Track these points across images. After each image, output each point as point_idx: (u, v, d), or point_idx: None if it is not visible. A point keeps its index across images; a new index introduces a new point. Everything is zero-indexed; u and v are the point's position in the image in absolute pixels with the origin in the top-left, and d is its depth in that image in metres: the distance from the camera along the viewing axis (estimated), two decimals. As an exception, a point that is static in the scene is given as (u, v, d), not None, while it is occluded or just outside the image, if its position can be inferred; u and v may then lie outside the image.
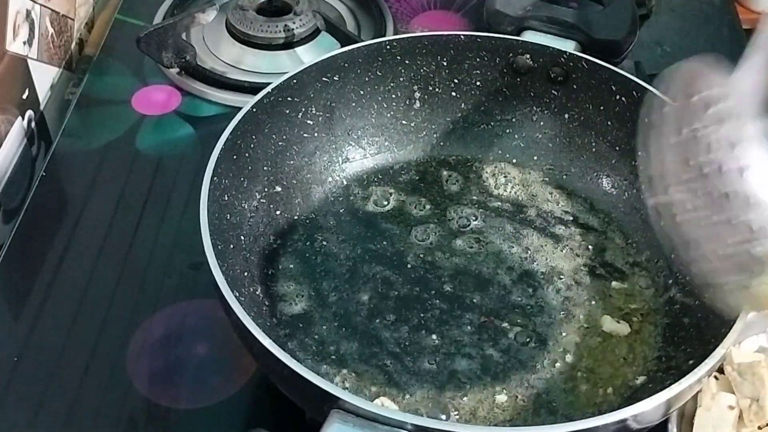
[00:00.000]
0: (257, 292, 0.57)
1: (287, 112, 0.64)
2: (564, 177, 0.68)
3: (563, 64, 0.66)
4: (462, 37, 0.67)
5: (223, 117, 0.76)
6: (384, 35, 0.86)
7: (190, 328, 0.63)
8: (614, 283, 0.61)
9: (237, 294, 0.50)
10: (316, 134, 0.66)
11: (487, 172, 0.68)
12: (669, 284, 0.60)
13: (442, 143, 0.70)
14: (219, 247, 0.53)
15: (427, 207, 0.66)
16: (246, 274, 0.57)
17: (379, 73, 0.67)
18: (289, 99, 0.63)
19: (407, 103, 0.69)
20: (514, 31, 0.72)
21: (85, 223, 0.70)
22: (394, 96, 0.68)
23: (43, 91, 0.81)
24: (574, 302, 0.60)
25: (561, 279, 0.61)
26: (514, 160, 0.69)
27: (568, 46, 0.68)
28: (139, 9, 0.90)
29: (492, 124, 0.69)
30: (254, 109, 0.61)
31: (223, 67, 0.83)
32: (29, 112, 0.78)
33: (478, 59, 0.68)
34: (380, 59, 0.67)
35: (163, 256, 0.68)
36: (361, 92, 0.67)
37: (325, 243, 0.63)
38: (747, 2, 1.33)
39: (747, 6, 1.33)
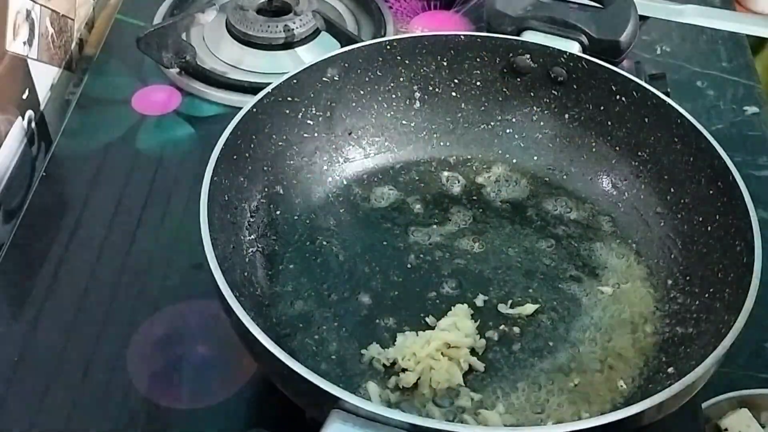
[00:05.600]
0: (257, 292, 0.57)
1: (287, 112, 0.64)
2: (564, 177, 0.68)
3: (563, 64, 0.66)
4: (462, 37, 0.67)
5: (223, 117, 0.76)
6: (384, 35, 0.86)
7: (190, 328, 0.63)
8: (614, 284, 0.61)
9: (237, 294, 0.50)
10: (316, 134, 0.66)
11: (487, 172, 0.68)
12: (669, 285, 0.60)
13: (442, 143, 0.70)
14: (219, 247, 0.53)
15: (428, 207, 0.66)
16: (246, 274, 0.57)
17: (379, 73, 0.67)
18: (289, 99, 0.63)
19: (407, 103, 0.69)
20: (514, 31, 0.72)
21: (85, 223, 0.70)
22: (394, 96, 0.68)
23: (43, 91, 0.81)
24: (575, 302, 0.60)
25: (561, 279, 0.61)
26: (514, 160, 0.69)
27: (569, 46, 0.68)
28: (139, 9, 0.90)
29: (492, 124, 0.69)
30: (254, 109, 0.61)
31: (223, 67, 0.83)
32: (29, 112, 0.78)
33: (478, 59, 0.68)
34: (380, 59, 0.67)
35: (163, 256, 0.68)
36: (361, 92, 0.67)
37: (325, 243, 0.63)
38: (747, 2, 1.34)
39: (747, 6, 1.34)
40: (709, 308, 0.55)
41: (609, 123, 0.66)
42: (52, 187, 0.73)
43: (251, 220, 0.60)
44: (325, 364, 0.56)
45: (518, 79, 0.68)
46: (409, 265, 0.62)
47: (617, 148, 0.66)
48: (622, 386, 0.55)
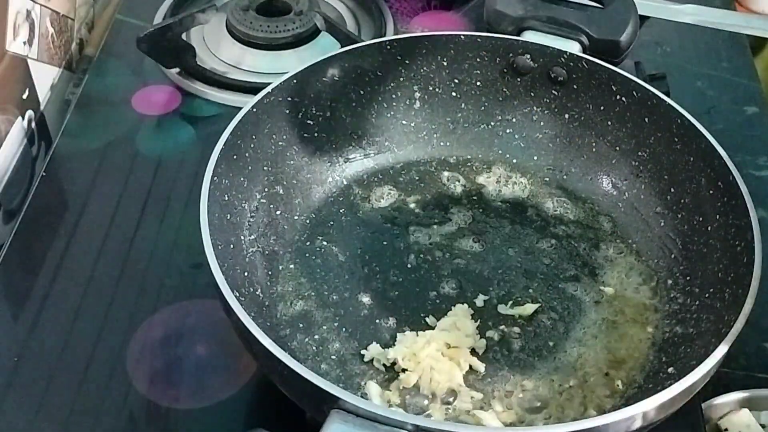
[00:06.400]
0: (257, 292, 0.57)
1: (287, 112, 0.64)
2: (564, 177, 0.68)
3: (563, 64, 0.66)
4: (462, 37, 0.67)
5: (223, 117, 0.76)
6: (384, 35, 0.86)
7: (190, 328, 0.63)
8: (614, 283, 0.61)
9: (237, 294, 0.50)
10: (316, 134, 0.66)
11: (487, 172, 0.68)
12: (669, 285, 0.60)
13: (442, 143, 0.70)
14: (219, 247, 0.53)
15: (428, 207, 0.66)
16: (246, 274, 0.57)
17: (379, 73, 0.67)
18: (289, 99, 0.63)
19: (407, 103, 0.69)
20: (514, 31, 0.72)
21: (85, 223, 0.70)
22: (394, 96, 0.68)
23: (43, 91, 0.81)
24: (574, 303, 0.60)
25: (561, 279, 0.61)
26: (514, 160, 0.69)
27: (569, 46, 0.68)
28: (139, 9, 0.90)
29: (492, 124, 0.69)
30: (254, 109, 0.61)
31: (224, 67, 0.83)
32: (29, 112, 0.78)
33: (478, 59, 0.68)
34: (380, 59, 0.67)
35: (163, 256, 0.68)
36: (361, 92, 0.67)
37: (325, 243, 0.63)
38: (747, 2, 1.34)
39: (747, 6, 1.34)
40: (709, 308, 0.55)
41: (609, 123, 0.66)
42: (52, 187, 0.73)
43: (251, 220, 0.60)
44: (325, 364, 0.56)
45: (518, 79, 0.68)
46: (409, 265, 0.62)
47: (617, 148, 0.66)
48: (621, 386, 0.55)
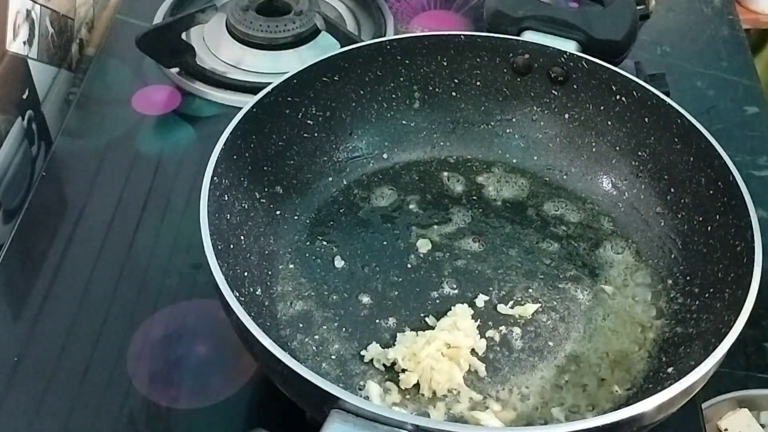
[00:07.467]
0: (257, 292, 0.57)
1: (287, 112, 0.64)
2: (564, 177, 0.68)
3: (563, 64, 0.66)
4: (462, 37, 0.67)
5: (223, 117, 0.76)
6: (384, 35, 0.86)
7: (190, 328, 0.63)
8: (614, 283, 0.61)
9: (237, 294, 0.50)
10: (316, 134, 0.66)
11: (487, 172, 0.68)
12: (669, 285, 0.60)
13: (442, 143, 0.70)
14: (219, 247, 0.53)
15: (428, 207, 0.66)
16: (246, 274, 0.57)
17: (379, 73, 0.67)
18: (289, 99, 0.63)
19: (407, 103, 0.69)
20: (514, 31, 0.72)
21: (85, 223, 0.70)
22: (394, 96, 0.68)
23: (43, 91, 0.81)
24: (575, 302, 0.60)
25: (561, 279, 0.61)
26: (514, 160, 0.69)
27: (568, 46, 0.68)
28: (139, 9, 0.90)
29: (492, 124, 0.69)
30: (254, 109, 0.61)
31: (223, 67, 0.83)
32: (29, 112, 0.78)
33: (478, 59, 0.68)
34: (380, 59, 0.67)
35: (163, 256, 0.68)
36: (361, 92, 0.67)
37: (325, 243, 0.63)
38: (747, 2, 1.33)
39: (747, 6, 1.34)
40: (709, 308, 0.55)
41: (609, 123, 0.66)
42: (52, 187, 0.73)
43: (251, 220, 0.60)
44: (325, 364, 0.56)
45: (518, 79, 0.68)
46: (409, 265, 0.62)
47: (617, 148, 0.66)
48: (621, 387, 0.55)
